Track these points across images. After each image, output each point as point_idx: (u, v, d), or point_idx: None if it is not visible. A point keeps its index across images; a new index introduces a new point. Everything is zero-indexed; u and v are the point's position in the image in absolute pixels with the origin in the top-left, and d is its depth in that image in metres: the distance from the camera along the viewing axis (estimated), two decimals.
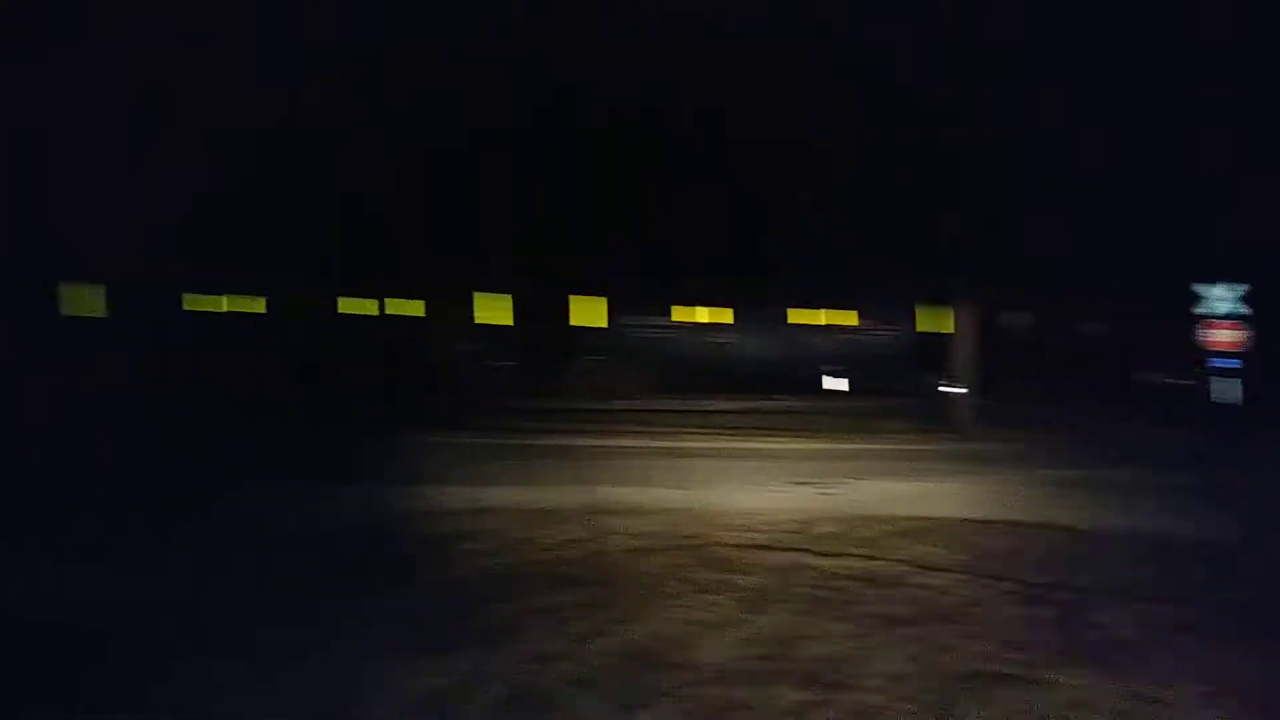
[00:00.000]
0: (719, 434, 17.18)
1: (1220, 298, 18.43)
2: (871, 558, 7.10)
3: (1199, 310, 18.64)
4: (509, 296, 24.23)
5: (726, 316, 25.49)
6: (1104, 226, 20.97)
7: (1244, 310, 18.19)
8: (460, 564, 6.81)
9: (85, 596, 5.91)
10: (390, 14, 19.15)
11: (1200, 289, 18.65)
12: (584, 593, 5.99)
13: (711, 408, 21.92)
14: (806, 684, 4.49)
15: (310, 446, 14.16)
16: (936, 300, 20.16)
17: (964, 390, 18.63)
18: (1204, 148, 18.99)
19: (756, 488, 10.85)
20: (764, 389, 24.53)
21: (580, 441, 15.25)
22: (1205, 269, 19.29)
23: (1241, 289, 18.20)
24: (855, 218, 20.68)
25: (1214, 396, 18.48)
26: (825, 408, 22.45)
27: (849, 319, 25.87)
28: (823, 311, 25.61)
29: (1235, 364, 18.20)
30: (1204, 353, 18.71)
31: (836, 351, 27.22)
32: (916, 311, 22.82)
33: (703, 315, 25.83)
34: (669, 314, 26.00)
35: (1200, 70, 18.29)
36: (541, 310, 23.28)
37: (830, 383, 26.12)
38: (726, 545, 7.42)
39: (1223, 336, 18.27)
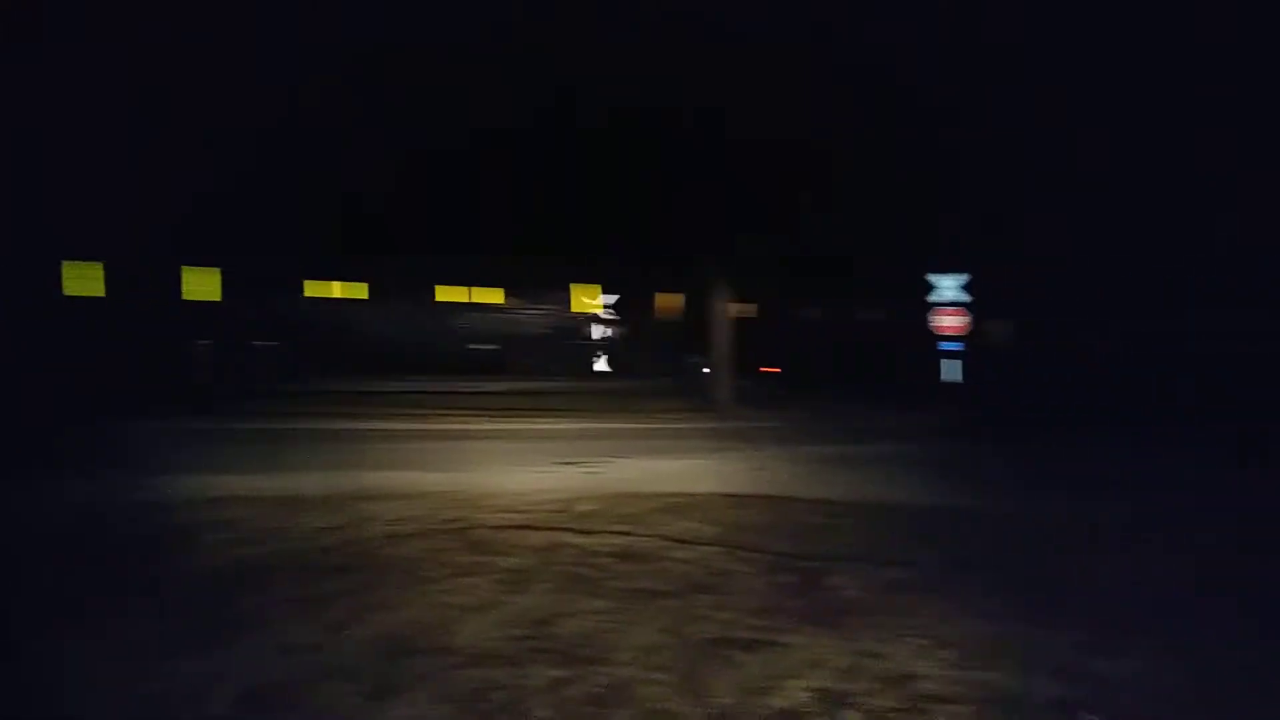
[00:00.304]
0: (485, 415, 17.05)
1: (947, 286, 20.21)
2: (631, 534, 7.25)
3: (931, 298, 20.35)
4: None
5: (360, 292, 25.05)
6: (868, 223, 22.40)
7: (966, 298, 20.03)
8: (204, 556, 6.38)
9: None
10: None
11: (932, 278, 20.36)
12: (338, 581, 5.75)
13: (478, 389, 21.73)
14: (562, 661, 4.52)
15: (46, 436, 12.83)
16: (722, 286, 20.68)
17: (722, 372, 19.39)
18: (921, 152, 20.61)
19: (521, 469, 10.85)
20: (401, 368, 24.35)
21: (341, 425, 14.70)
22: (940, 260, 21.03)
23: (964, 278, 20.04)
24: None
25: (943, 376, 20.27)
26: (591, 388, 22.81)
27: (495, 297, 26.11)
28: (470, 289, 25.63)
29: (959, 346, 20.05)
30: (936, 337, 20.49)
31: (486, 330, 27.36)
32: (571, 291, 23.74)
33: (336, 290, 25.26)
34: (302, 289, 25.29)
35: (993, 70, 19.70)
36: None
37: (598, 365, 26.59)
38: (488, 527, 7.36)
39: (949, 322, 20.05)
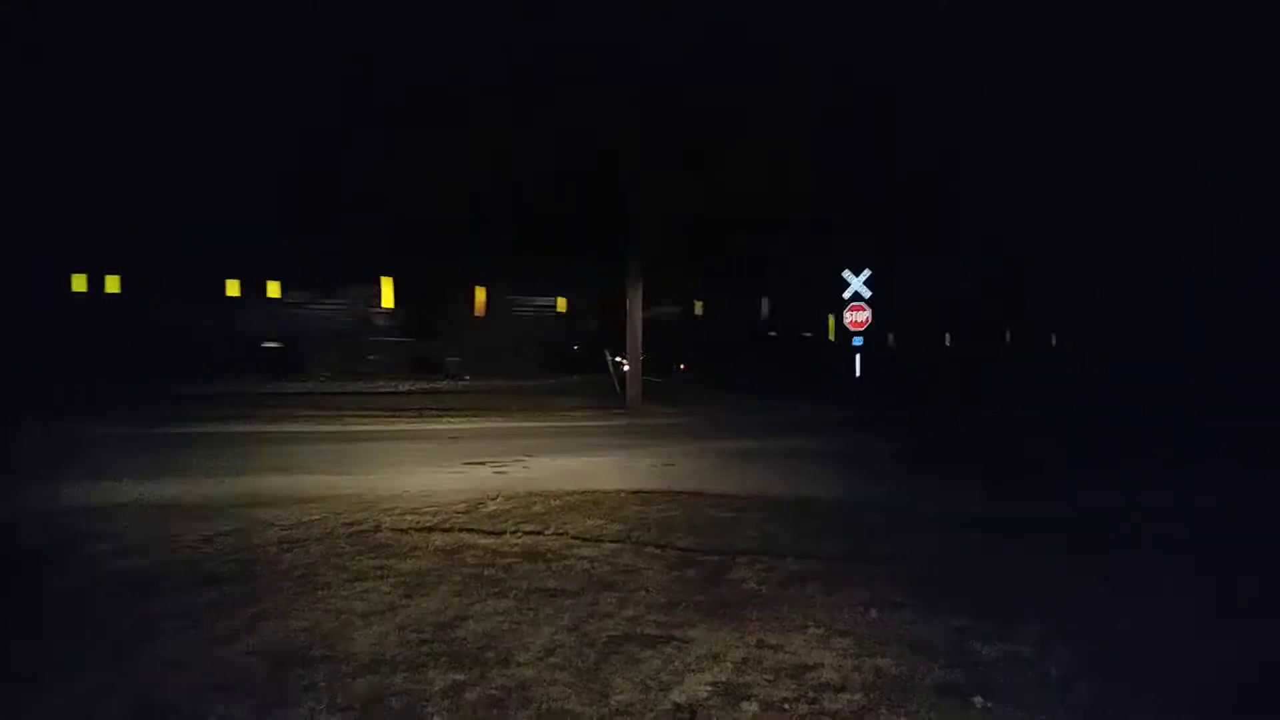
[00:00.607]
0: (395, 416, 16.77)
1: (858, 283, 20.57)
2: (538, 533, 7.22)
3: (845, 294, 20.68)
4: None
5: (113, 285, 24.28)
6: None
7: (868, 293, 20.45)
8: (84, 568, 6.12)
9: None
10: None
11: (847, 274, 20.69)
12: (228, 590, 5.59)
13: (387, 389, 21.38)
14: (461, 664, 4.47)
15: None
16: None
17: (632, 369, 19.44)
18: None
19: (427, 470, 10.71)
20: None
21: (241, 428, 14.29)
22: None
23: (867, 274, 20.44)
24: None
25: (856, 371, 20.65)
26: (502, 387, 22.64)
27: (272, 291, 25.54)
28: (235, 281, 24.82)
29: (860, 341, 20.46)
30: (847, 332, 20.84)
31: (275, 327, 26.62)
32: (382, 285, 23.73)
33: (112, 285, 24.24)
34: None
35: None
36: None
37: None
38: (391, 530, 7.24)
39: (857, 317, 20.44)
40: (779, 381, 24.78)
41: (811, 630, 4.95)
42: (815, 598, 5.56)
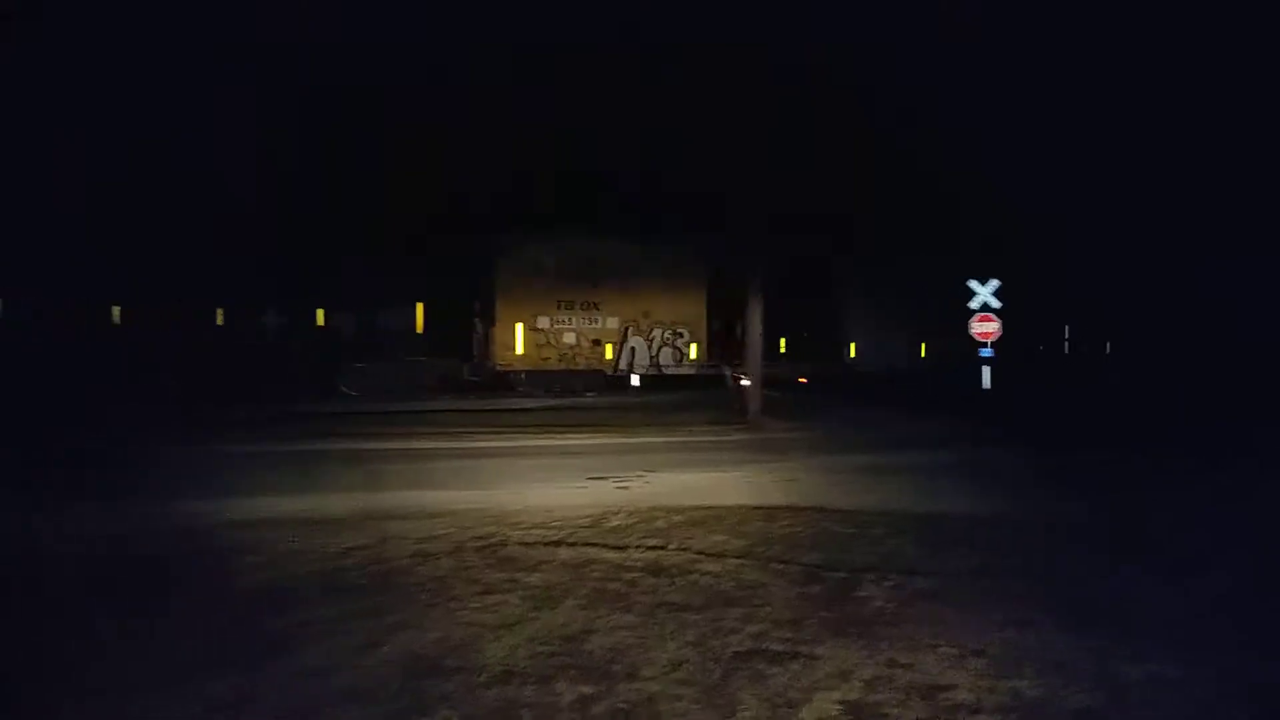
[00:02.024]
0: (515, 432, 17.08)
1: (985, 293, 20.01)
2: (661, 548, 7.24)
3: (971, 304, 20.14)
4: None
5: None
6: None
7: (997, 304, 19.84)
8: (232, 579, 6.43)
9: None
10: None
11: (973, 284, 20.16)
12: (364, 601, 5.79)
13: (507, 406, 21.81)
14: (589, 677, 4.52)
15: (82, 461, 13.03)
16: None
17: (752, 383, 19.30)
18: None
19: (551, 484, 10.86)
20: None
21: (372, 445, 14.80)
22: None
23: (995, 284, 19.84)
24: None
25: (983, 384, 20.06)
26: (621, 402, 22.80)
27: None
28: None
29: (990, 353, 19.84)
30: (974, 343, 20.28)
31: None
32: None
33: None
34: None
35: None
36: None
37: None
38: (516, 544, 7.37)
39: (984, 328, 19.85)
40: (901, 395, 24.23)
41: (943, 649, 4.81)
42: (946, 615, 5.40)
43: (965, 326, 20.31)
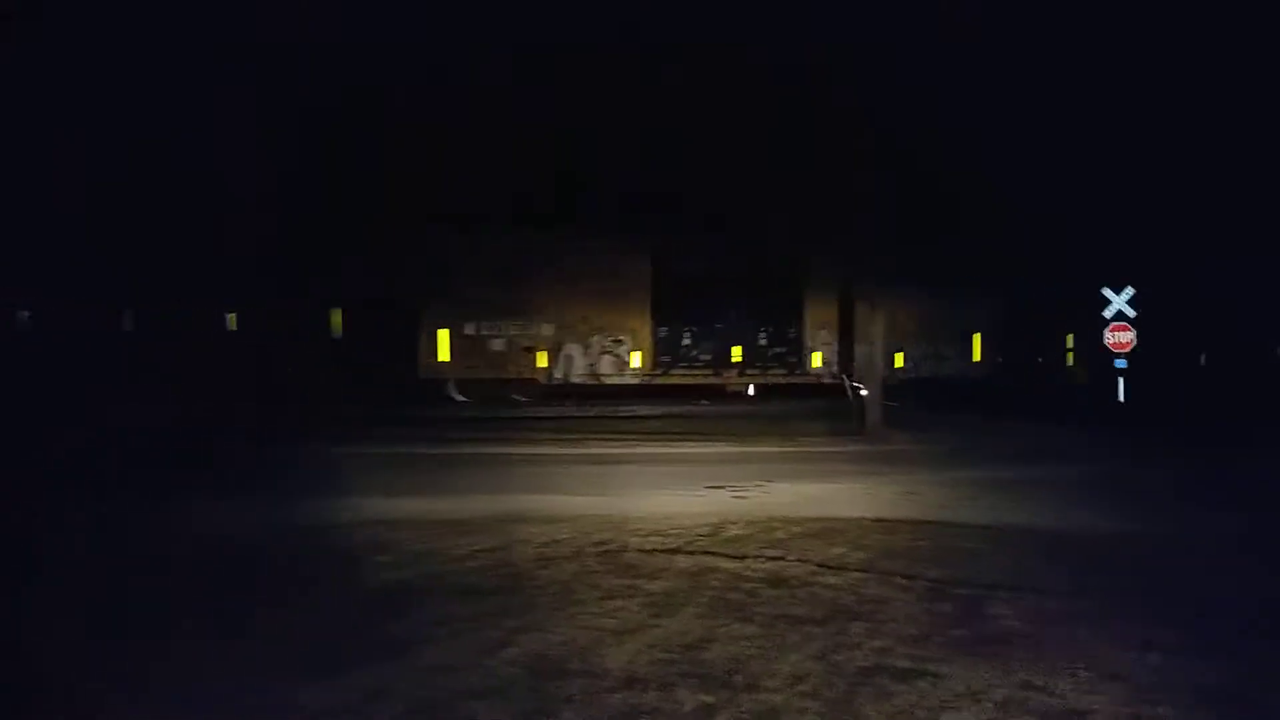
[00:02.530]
0: (632, 439, 17.20)
1: (1120, 301, 19.20)
2: (780, 559, 7.18)
3: (1106, 313, 19.35)
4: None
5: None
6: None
7: (1132, 313, 18.99)
8: (362, 578, 6.68)
9: None
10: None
11: (1107, 292, 19.37)
12: (489, 602, 5.92)
13: (625, 413, 21.98)
14: (710, 686, 4.51)
15: (213, 460, 13.75)
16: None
17: (871, 393, 18.95)
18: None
19: (669, 492, 10.89)
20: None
21: (492, 450, 15.13)
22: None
23: (1130, 292, 19.00)
24: None
25: (1119, 395, 19.24)
26: (738, 411, 22.71)
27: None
28: None
29: (1124, 364, 19.00)
30: (1109, 353, 19.46)
31: None
32: None
33: None
34: None
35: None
36: None
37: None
38: (636, 550, 7.42)
39: (1121, 338, 19.03)
40: (1030, 405, 23.39)
41: (1081, 673, 4.62)
42: (1084, 637, 5.19)
43: (1093, 336, 19.52)
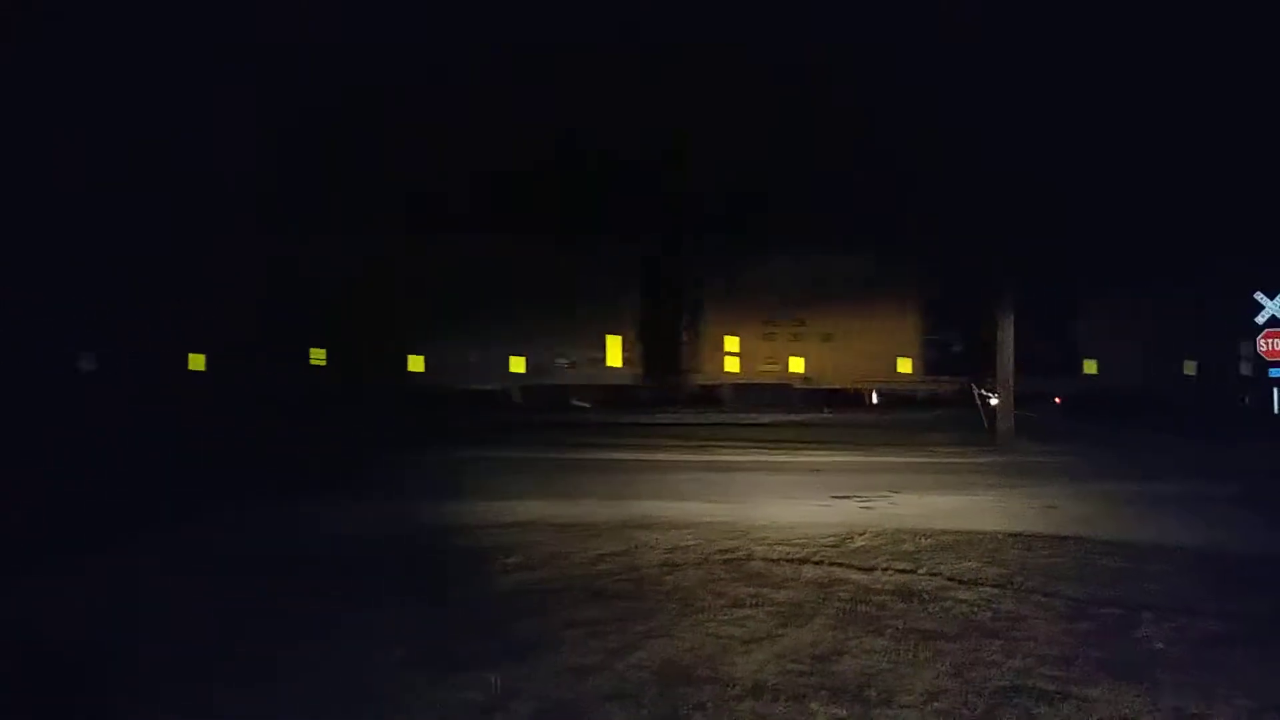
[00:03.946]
0: (756, 447, 17.12)
1: (1274, 306, 18.11)
2: (910, 572, 7.03)
3: (1259, 319, 18.27)
4: None
5: None
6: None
7: None
8: (496, 579, 6.86)
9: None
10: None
11: (1261, 298, 18.29)
12: (619, 606, 5.99)
13: (748, 421, 21.88)
14: (841, 699, 4.45)
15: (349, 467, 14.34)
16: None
17: (1002, 402, 18.38)
18: None
19: (794, 501, 10.80)
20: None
21: (615, 455, 15.30)
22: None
23: None
24: None
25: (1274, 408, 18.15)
26: (862, 420, 22.33)
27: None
28: None
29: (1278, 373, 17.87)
30: (1264, 362, 18.34)
31: None
32: None
33: None
34: None
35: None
36: None
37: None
38: (761, 559, 7.39)
39: (1276, 345, 17.93)
40: (1170, 416, 22.20)
41: (1239, 701, 4.37)
42: (1238, 663, 4.91)
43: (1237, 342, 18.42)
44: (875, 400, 25.74)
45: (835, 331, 24.46)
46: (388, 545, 8.08)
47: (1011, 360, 18.49)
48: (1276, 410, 18.02)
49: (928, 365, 24.43)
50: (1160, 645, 5.25)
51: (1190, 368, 25.18)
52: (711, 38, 18.41)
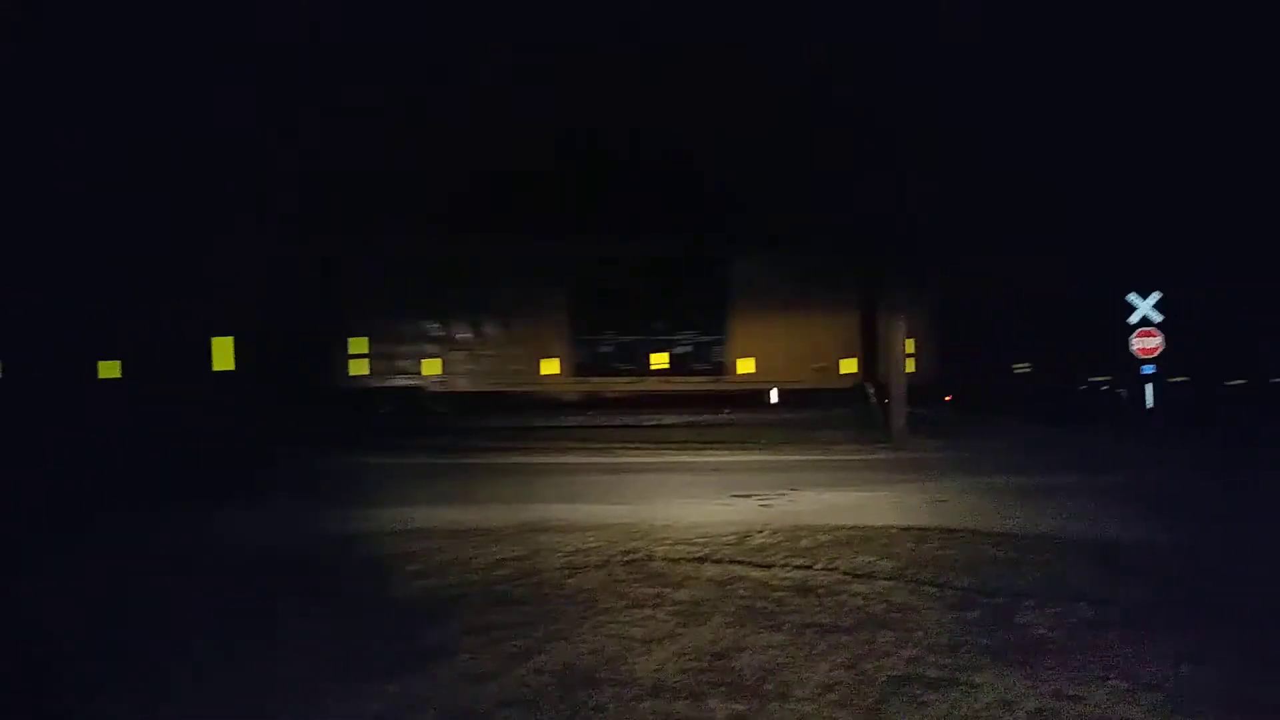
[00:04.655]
0: (658, 448, 17.22)
1: (1146, 306, 19.04)
2: (808, 567, 7.15)
3: (1131, 319, 19.18)
4: None
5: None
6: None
7: (1159, 317, 18.82)
8: (392, 586, 6.73)
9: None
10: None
11: (1133, 299, 19.21)
12: (519, 611, 5.94)
13: (652, 422, 22.00)
14: (740, 695, 4.50)
15: (239, 470, 13.90)
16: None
17: (896, 400, 18.89)
18: None
19: (695, 501, 10.90)
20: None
21: (519, 459, 15.20)
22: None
23: (1157, 296, 18.85)
24: None
25: (1146, 402, 19.09)
26: (761, 419, 22.67)
27: None
28: None
29: (1152, 369, 18.83)
30: (1135, 360, 19.28)
31: None
32: None
33: None
34: None
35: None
36: None
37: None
38: (663, 559, 7.43)
39: (1147, 344, 18.87)
40: (1058, 413, 23.19)
41: (1114, 682, 4.58)
42: (1116, 647, 5.14)
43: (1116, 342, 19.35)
44: (775, 400, 26.15)
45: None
46: (280, 554, 7.85)
47: (903, 360, 19.01)
48: (1149, 405, 18.92)
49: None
50: (1042, 631, 5.46)
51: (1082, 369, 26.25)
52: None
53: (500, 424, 21.64)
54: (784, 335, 22.98)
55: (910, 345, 19.42)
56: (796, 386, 24.53)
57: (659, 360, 22.37)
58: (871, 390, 22.04)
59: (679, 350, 23.47)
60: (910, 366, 19.42)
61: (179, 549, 8.18)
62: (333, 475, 13.40)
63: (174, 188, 19.79)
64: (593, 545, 7.95)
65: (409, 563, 7.37)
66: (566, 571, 7.03)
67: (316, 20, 18.52)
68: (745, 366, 21.51)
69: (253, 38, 18.83)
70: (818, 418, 22.58)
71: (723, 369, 23.25)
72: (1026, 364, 26.95)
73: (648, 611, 5.93)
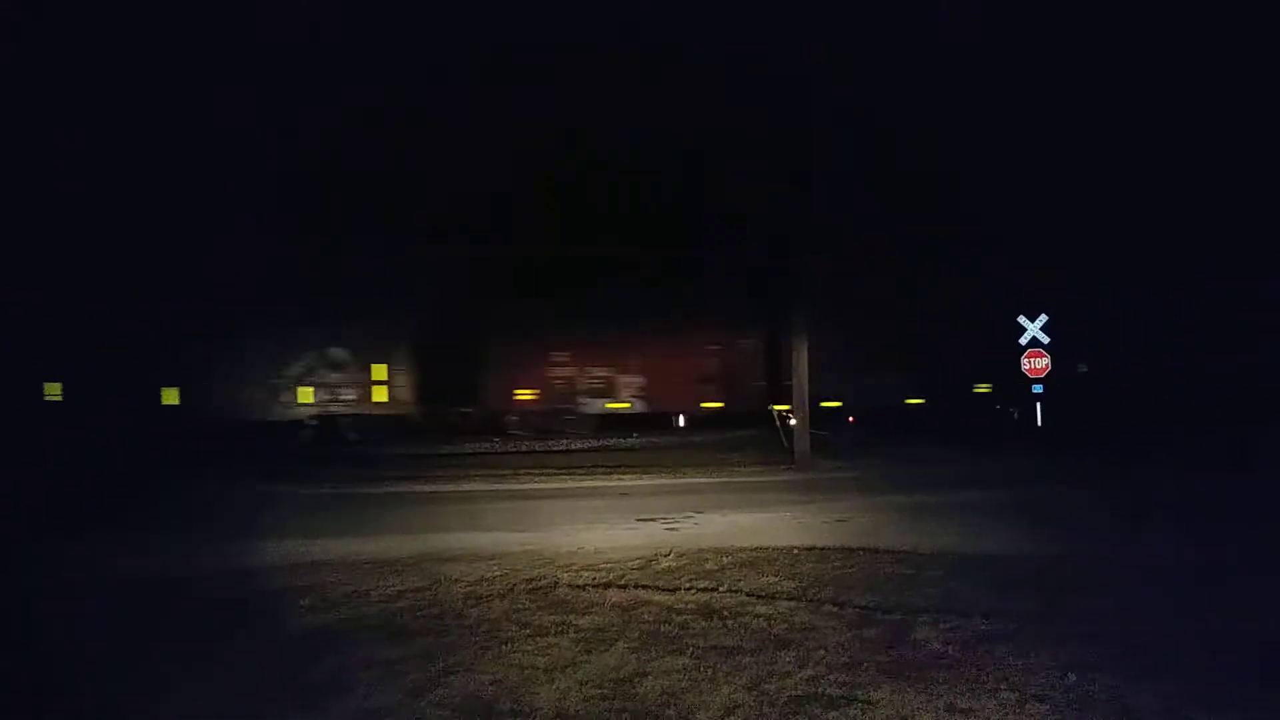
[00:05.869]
0: (565, 474, 17.13)
1: (1034, 329, 19.78)
2: (712, 590, 7.20)
3: (1021, 340, 19.87)
4: None
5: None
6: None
7: (1046, 339, 19.58)
8: (286, 620, 6.51)
9: None
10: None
11: (1023, 320, 19.90)
12: (418, 643, 5.82)
13: (558, 448, 21.89)
14: None
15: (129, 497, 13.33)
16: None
17: (799, 423, 19.16)
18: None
19: (602, 526, 10.86)
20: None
21: (419, 488, 14.94)
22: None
23: (1044, 319, 19.62)
24: None
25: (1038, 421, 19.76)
26: (669, 443, 22.76)
27: None
28: None
29: (1041, 389, 19.56)
30: (1026, 379, 19.95)
31: None
32: None
33: None
34: None
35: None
36: None
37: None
38: (567, 586, 7.37)
39: (1037, 364, 19.58)
40: (954, 433, 23.87)
41: (1004, 694, 4.72)
42: (1006, 659, 5.30)
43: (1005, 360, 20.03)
44: (681, 424, 26.27)
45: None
46: (169, 589, 7.53)
47: (806, 382, 19.31)
48: (1039, 424, 19.63)
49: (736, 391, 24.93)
50: (937, 646, 5.60)
51: (984, 387, 26.95)
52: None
53: (404, 451, 21.23)
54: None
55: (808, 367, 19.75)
56: (698, 412, 24.90)
57: None
58: (777, 413, 22.36)
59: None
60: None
61: (59, 580, 7.79)
62: (233, 506, 12.95)
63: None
64: (496, 574, 7.84)
65: (304, 596, 7.15)
66: (470, 602, 6.92)
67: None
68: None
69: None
70: (723, 441, 22.79)
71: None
72: (919, 398, 27.38)
73: (551, 640, 5.88)
